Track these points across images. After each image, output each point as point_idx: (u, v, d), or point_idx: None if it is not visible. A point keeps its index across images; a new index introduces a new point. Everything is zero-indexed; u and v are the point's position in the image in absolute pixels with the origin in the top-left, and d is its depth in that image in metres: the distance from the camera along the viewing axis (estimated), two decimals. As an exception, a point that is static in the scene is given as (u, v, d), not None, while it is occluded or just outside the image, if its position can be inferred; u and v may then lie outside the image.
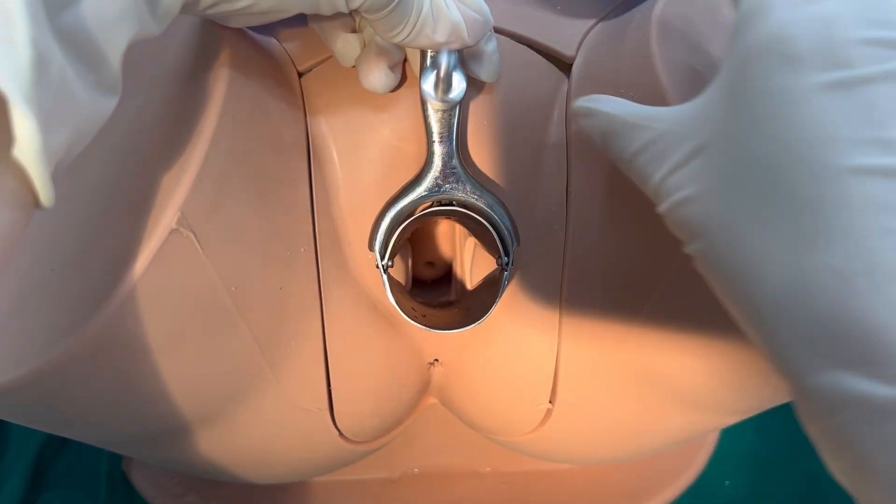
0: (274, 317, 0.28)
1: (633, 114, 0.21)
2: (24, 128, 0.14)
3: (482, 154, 0.29)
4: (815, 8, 0.17)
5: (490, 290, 0.31)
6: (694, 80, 0.26)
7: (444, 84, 0.25)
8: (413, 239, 0.35)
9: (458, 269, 0.35)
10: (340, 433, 0.34)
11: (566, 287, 0.30)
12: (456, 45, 0.25)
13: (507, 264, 0.29)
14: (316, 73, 0.30)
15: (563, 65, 0.31)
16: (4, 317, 0.23)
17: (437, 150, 0.28)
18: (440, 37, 0.24)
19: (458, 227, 0.33)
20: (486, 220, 0.29)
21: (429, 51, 0.26)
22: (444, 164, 0.28)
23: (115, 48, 0.17)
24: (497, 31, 0.30)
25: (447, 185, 0.28)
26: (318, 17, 0.26)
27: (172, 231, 0.23)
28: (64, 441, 0.48)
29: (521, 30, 0.31)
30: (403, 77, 0.28)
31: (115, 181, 0.24)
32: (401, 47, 0.27)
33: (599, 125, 0.22)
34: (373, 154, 0.29)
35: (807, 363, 0.16)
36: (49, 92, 0.14)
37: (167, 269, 0.23)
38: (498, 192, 0.29)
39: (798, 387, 0.17)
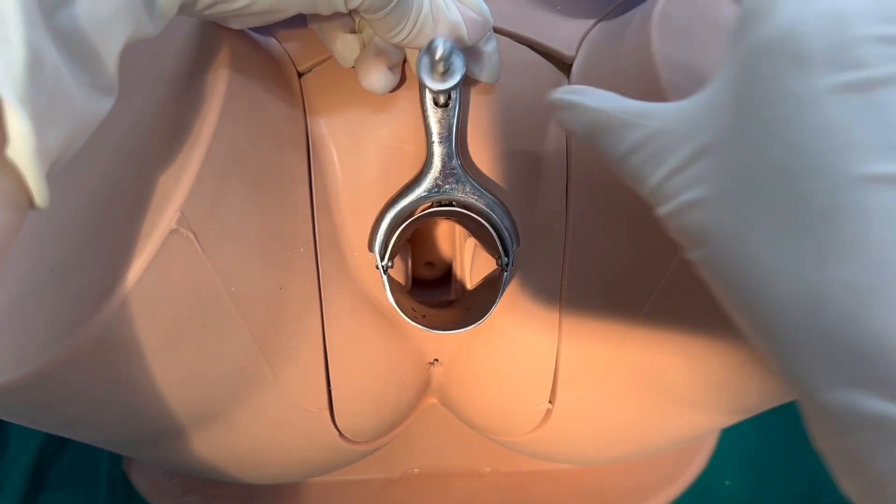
0: (274, 317, 0.28)
1: (624, 109, 0.20)
2: (19, 128, 0.14)
3: (482, 155, 0.29)
4: (824, 3, 0.16)
5: (490, 290, 0.31)
6: (694, 81, 0.26)
7: (442, 67, 0.24)
8: (413, 239, 0.35)
9: (457, 270, 0.35)
10: (340, 433, 0.34)
11: (566, 287, 0.30)
12: None
13: (506, 265, 0.29)
14: (316, 74, 0.30)
15: (563, 65, 0.31)
16: (4, 317, 0.23)
17: (437, 150, 0.28)
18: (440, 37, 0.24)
19: (458, 228, 0.33)
20: (485, 221, 0.29)
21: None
22: (444, 165, 0.28)
23: (110, 49, 0.17)
24: (497, 31, 0.30)
25: (447, 186, 0.28)
26: (318, 18, 0.26)
27: (172, 231, 0.23)
28: (64, 441, 0.48)
29: (521, 30, 0.31)
30: (403, 77, 0.28)
31: (114, 181, 0.24)
32: (400, 48, 0.27)
33: (584, 120, 0.21)
34: (372, 154, 0.29)
35: (820, 380, 0.16)
36: (43, 92, 0.14)
37: (167, 269, 0.23)
38: (498, 193, 0.29)
39: (810, 403, 0.16)
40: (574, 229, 0.30)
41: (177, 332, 0.25)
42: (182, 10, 0.20)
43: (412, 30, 0.24)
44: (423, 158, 0.28)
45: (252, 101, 0.26)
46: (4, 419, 0.27)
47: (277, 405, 0.31)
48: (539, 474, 0.48)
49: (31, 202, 0.15)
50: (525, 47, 0.31)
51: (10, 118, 0.14)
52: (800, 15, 0.16)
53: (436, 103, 0.27)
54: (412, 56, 0.28)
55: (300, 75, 0.30)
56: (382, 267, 0.29)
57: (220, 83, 0.25)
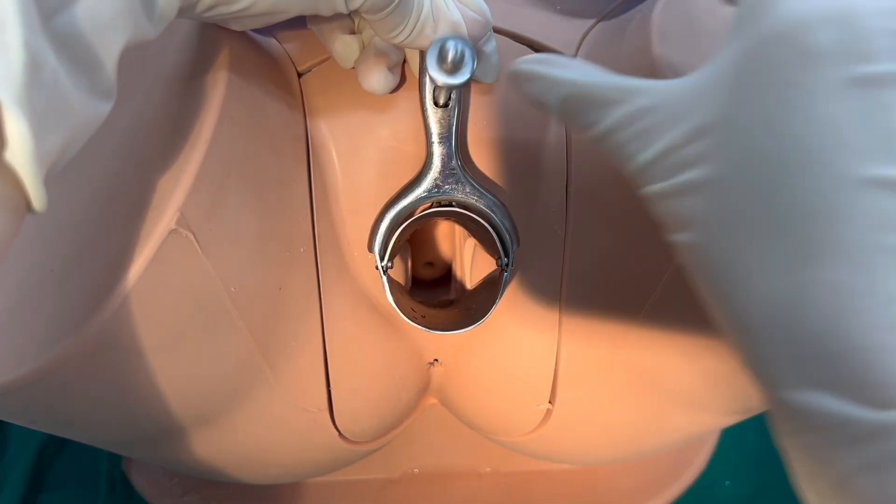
0: (273, 317, 0.28)
1: (605, 84, 0.19)
2: (16, 131, 0.14)
3: (482, 155, 0.29)
4: None
5: (490, 290, 0.31)
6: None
7: (453, 65, 0.24)
8: (413, 239, 0.35)
9: (457, 270, 0.35)
10: (340, 433, 0.34)
11: (566, 287, 0.30)
12: None
13: (506, 265, 0.29)
14: (315, 74, 0.30)
15: (563, 65, 0.31)
16: (4, 317, 0.23)
17: (437, 150, 0.28)
18: None
19: (458, 228, 0.33)
20: (485, 221, 0.29)
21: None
22: (444, 165, 0.28)
23: (109, 52, 0.17)
24: (497, 31, 0.30)
25: (447, 186, 0.28)
26: (317, 19, 0.26)
27: (171, 231, 0.23)
28: (64, 441, 0.48)
29: (521, 30, 0.31)
30: (403, 78, 0.28)
31: (114, 182, 0.24)
32: (400, 48, 0.27)
33: (559, 93, 0.20)
34: (372, 155, 0.29)
35: (788, 377, 0.16)
36: (42, 95, 0.14)
37: (166, 269, 0.23)
38: (498, 193, 0.29)
39: (775, 398, 0.16)
40: (574, 229, 0.30)
41: (176, 332, 0.25)
42: (181, 12, 0.20)
43: (413, 30, 0.24)
44: (422, 159, 0.28)
45: (251, 103, 0.26)
46: (4, 419, 0.27)
47: (277, 405, 0.31)
48: (539, 474, 0.48)
49: (28, 206, 0.15)
50: (525, 47, 0.31)
51: (8, 122, 0.14)
52: (810, 6, 0.16)
53: (436, 103, 0.27)
54: (412, 56, 0.28)
55: (300, 75, 0.30)
56: (382, 267, 0.29)
57: (219, 85, 0.25)
